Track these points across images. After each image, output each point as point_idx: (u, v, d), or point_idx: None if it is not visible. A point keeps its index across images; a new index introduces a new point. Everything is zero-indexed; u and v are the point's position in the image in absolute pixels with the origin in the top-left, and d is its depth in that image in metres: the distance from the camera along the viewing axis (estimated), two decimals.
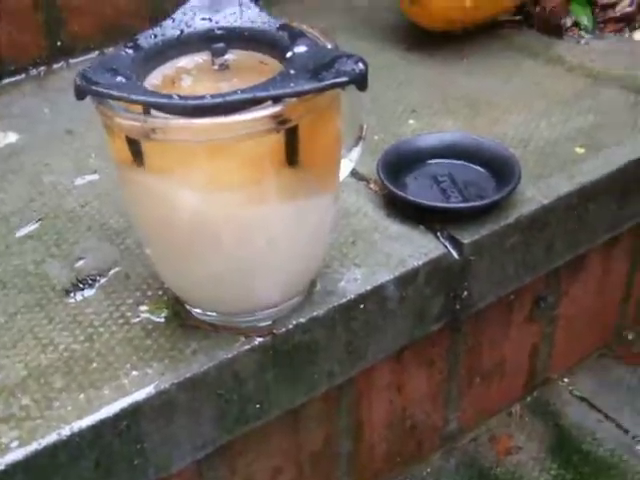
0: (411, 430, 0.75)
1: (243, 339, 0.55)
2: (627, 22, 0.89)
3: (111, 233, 0.65)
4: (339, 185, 0.56)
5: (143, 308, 0.58)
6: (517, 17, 0.89)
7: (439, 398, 0.75)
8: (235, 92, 0.45)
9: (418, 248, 0.63)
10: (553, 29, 0.88)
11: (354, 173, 0.68)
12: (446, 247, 0.63)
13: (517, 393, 0.82)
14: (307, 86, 0.46)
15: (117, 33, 0.58)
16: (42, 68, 0.88)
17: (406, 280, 0.61)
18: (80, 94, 0.47)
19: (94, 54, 0.88)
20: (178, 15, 0.54)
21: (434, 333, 0.68)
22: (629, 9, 0.89)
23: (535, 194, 0.68)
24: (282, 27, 0.52)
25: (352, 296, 0.59)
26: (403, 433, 0.75)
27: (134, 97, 0.46)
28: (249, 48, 0.53)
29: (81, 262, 0.63)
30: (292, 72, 0.47)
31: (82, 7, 0.87)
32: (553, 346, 0.82)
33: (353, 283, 0.60)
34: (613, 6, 0.89)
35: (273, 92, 0.45)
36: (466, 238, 0.64)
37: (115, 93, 0.46)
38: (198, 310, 0.57)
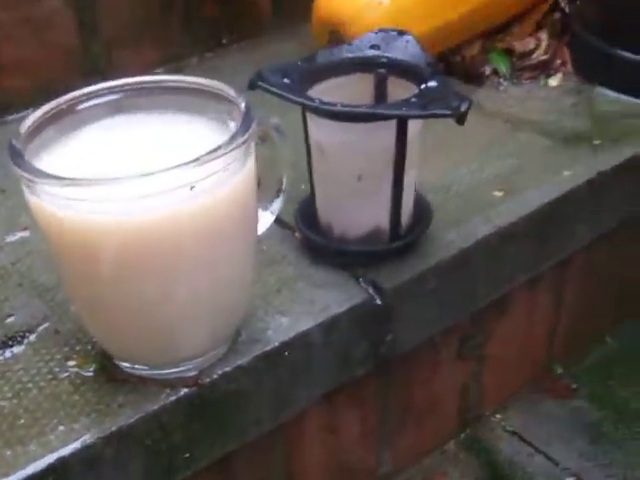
0: (349, 473, 0.76)
1: (169, 390, 0.56)
2: (542, 69, 0.92)
3: (42, 289, 0.66)
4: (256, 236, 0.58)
5: (71, 363, 0.59)
6: None
7: (372, 440, 0.77)
8: (361, 106, 0.60)
9: (341, 294, 0.65)
10: (473, 77, 0.91)
11: (280, 222, 0.70)
12: (368, 293, 0.65)
13: (450, 431, 0.84)
14: (413, 112, 0.59)
15: (52, 90, 0.59)
16: None
17: (329, 326, 0.63)
18: (251, 86, 0.61)
19: (30, 111, 0.89)
20: (355, 42, 0.67)
21: (364, 376, 0.69)
22: (544, 57, 0.92)
23: (455, 238, 0.70)
24: (429, 64, 0.64)
25: (277, 344, 0.61)
26: (340, 477, 0.76)
27: (291, 97, 0.59)
28: (404, 77, 0.64)
29: (11, 319, 0.63)
30: (413, 100, 0.59)
31: (14, 64, 0.88)
32: (483, 383, 0.84)
33: (278, 331, 0.61)
34: (529, 54, 0.92)
35: (386, 112, 0.60)
36: (387, 284, 0.66)
37: (276, 90, 0.60)
38: (126, 364, 0.58)
